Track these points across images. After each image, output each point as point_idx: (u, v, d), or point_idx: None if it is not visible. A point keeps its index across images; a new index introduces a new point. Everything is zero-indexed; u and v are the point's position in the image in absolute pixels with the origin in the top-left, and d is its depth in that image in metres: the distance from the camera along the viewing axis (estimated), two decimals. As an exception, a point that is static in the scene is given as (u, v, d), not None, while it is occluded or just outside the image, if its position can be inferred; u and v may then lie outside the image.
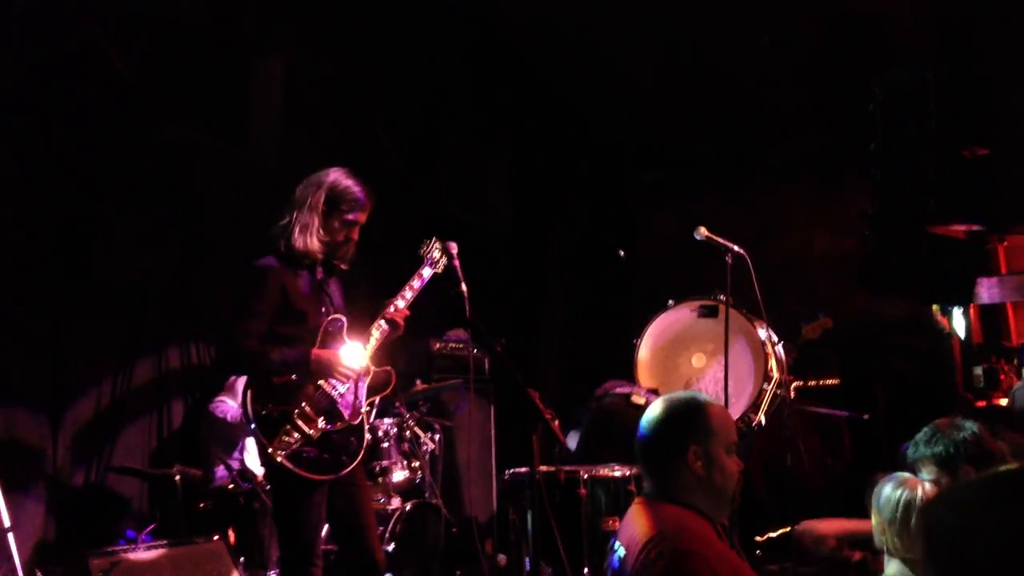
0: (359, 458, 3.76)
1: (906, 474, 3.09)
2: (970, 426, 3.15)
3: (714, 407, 2.46)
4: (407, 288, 3.89)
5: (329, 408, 3.69)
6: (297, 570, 3.62)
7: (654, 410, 2.49)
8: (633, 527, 2.35)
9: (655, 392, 5.17)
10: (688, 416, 2.43)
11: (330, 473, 3.64)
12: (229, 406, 5.44)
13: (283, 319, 3.68)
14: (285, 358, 3.60)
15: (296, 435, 3.56)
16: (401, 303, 3.87)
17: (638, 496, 2.50)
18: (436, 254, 3.92)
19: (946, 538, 1.30)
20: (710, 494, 2.38)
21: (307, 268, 3.77)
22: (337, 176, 3.78)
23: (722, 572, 2.15)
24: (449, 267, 3.84)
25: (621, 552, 2.34)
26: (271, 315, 3.65)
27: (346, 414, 3.73)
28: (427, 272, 3.91)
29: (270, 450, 3.51)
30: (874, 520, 3.05)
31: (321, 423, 3.63)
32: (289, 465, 3.53)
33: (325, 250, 3.78)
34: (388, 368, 3.90)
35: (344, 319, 3.82)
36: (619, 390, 5.26)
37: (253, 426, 3.54)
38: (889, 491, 3.00)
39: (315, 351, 3.65)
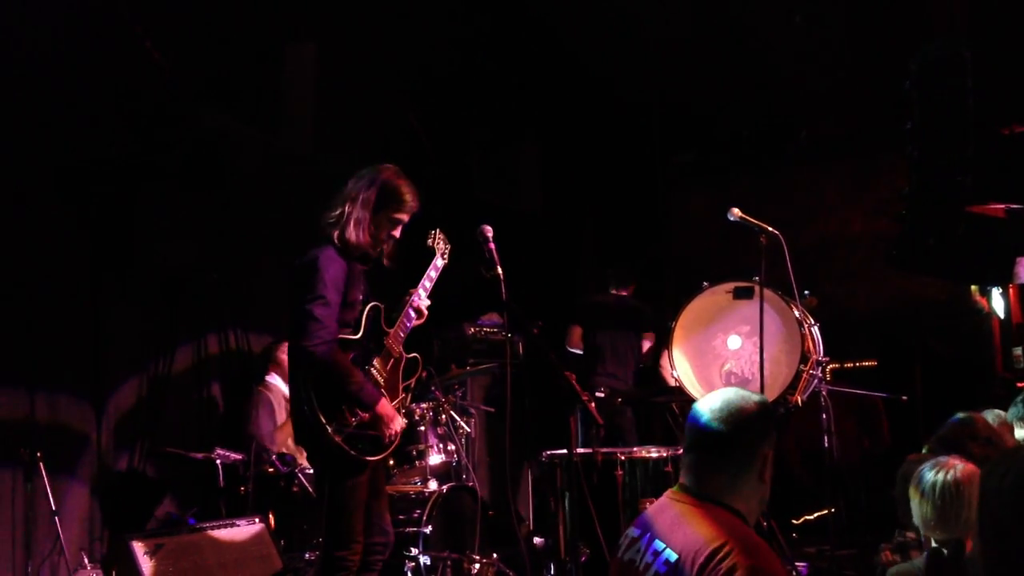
0: (398, 440, 3.95)
1: (943, 456, 3.07)
2: None
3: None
4: (426, 279, 4.11)
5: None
6: (339, 549, 3.77)
7: (728, 406, 2.28)
8: (688, 529, 2.18)
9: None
10: (766, 420, 2.28)
11: (377, 454, 3.85)
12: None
13: (340, 312, 3.85)
14: (363, 394, 3.78)
15: (352, 418, 3.77)
16: (423, 292, 4.08)
17: (677, 490, 2.32)
18: (442, 244, 4.16)
19: None
20: (757, 501, 2.27)
21: (356, 260, 3.91)
22: (389, 175, 3.91)
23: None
24: (484, 251, 3.86)
25: (671, 555, 2.17)
26: (340, 305, 3.80)
27: (390, 396, 3.96)
28: (440, 263, 4.14)
29: (330, 430, 3.69)
30: (915, 505, 3.02)
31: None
32: (345, 447, 3.71)
33: (371, 245, 3.90)
34: (416, 355, 4.14)
35: (381, 306, 4.02)
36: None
37: (316, 410, 3.70)
38: (931, 474, 2.98)
39: (383, 403, 3.84)
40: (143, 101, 5.48)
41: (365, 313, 3.94)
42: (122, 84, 5.37)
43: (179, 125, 5.70)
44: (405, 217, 3.95)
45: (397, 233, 3.97)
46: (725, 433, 2.26)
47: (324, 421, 3.70)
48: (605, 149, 8.79)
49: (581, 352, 7.00)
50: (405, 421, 4.05)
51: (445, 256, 4.16)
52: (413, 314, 4.06)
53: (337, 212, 3.85)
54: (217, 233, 6.01)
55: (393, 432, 3.90)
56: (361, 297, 3.96)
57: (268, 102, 5.96)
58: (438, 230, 4.18)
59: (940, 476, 2.95)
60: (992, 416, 4.13)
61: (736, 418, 2.26)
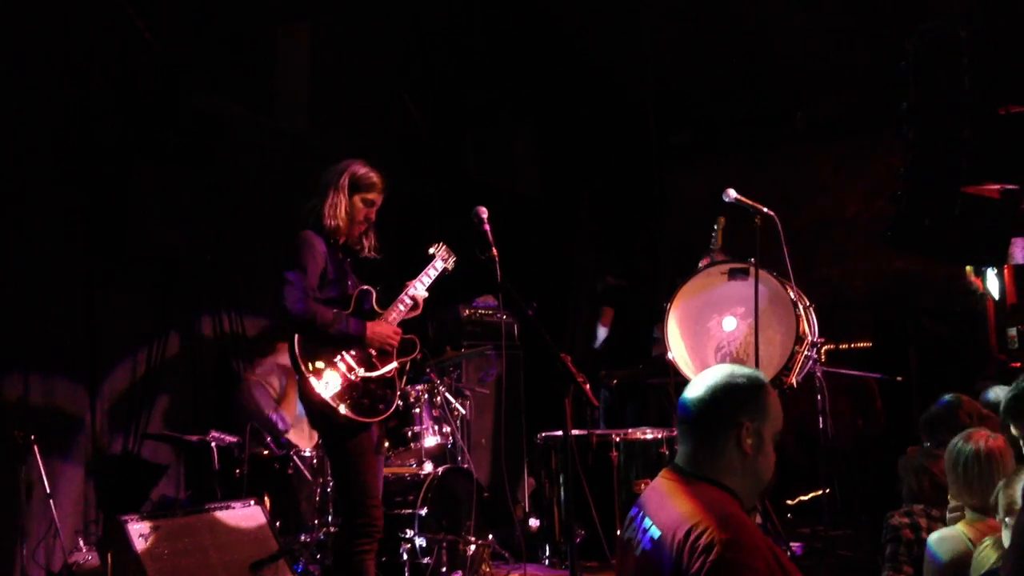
0: (393, 408, 4.11)
1: (972, 428, 3.29)
2: None
3: (774, 391, 2.32)
4: (424, 274, 4.28)
5: (366, 358, 4.07)
6: (358, 516, 3.91)
7: (711, 377, 2.33)
8: (671, 507, 2.22)
9: None
10: (749, 390, 2.28)
11: (368, 416, 3.98)
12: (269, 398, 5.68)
13: (321, 286, 4.04)
14: (348, 328, 3.99)
15: (340, 378, 3.95)
16: (420, 286, 4.26)
17: (668, 468, 2.36)
18: (445, 253, 4.36)
19: None
20: (749, 477, 2.26)
21: (333, 245, 4.13)
22: (356, 164, 4.18)
23: (772, 563, 2.10)
24: (479, 232, 3.88)
25: (655, 532, 2.21)
26: (318, 278, 4.02)
27: (379, 365, 4.10)
28: (440, 264, 4.33)
29: (318, 390, 3.87)
30: (949, 475, 3.25)
31: (361, 371, 4.01)
32: (333, 404, 3.88)
33: (348, 228, 4.13)
34: (412, 336, 4.24)
35: (374, 290, 4.20)
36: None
37: (302, 370, 3.90)
38: (961, 445, 3.21)
39: (370, 325, 4.06)
40: (136, 82, 5.44)
41: (355, 295, 4.13)
42: (115, 65, 5.33)
43: (172, 106, 5.66)
44: (377, 198, 4.17)
45: (372, 215, 4.18)
46: (702, 397, 2.29)
47: (311, 379, 3.89)
48: (601, 130, 8.75)
49: (605, 335, 6.98)
50: (399, 330, 4.16)
51: (448, 263, 4.35)
52: (408, 300, 4.22)
53: (312, 203, 4.11)
54: (211, 214, 5.97)
55: (394, 343, 4.09)
56: (349, 283, 4.15)
57: (262, 82, 5.93)
58: (442, 243, 4.38)
59: (968, 447, 3.18)
60: (997, 393, 4.17)
61: (716, 385, 2.29)
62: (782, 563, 2.14)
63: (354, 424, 3.94)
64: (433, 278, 4.31)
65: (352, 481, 3.95)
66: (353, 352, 4.02)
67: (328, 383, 3.91)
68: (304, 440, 5.63)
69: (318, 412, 3.96)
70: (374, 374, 4.06)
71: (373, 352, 4.08)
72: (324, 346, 3.97)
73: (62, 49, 5.11)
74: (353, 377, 3.98)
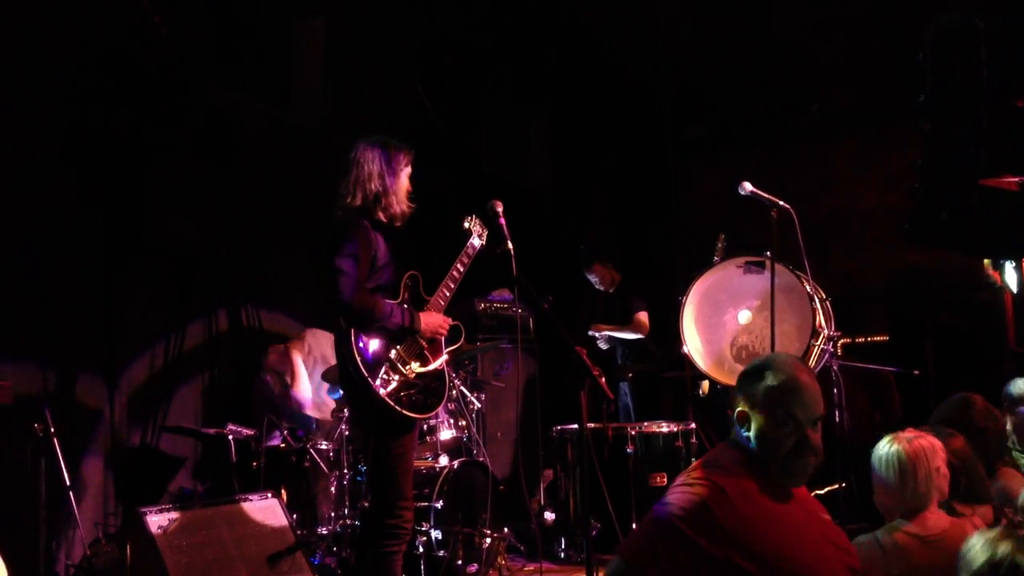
0: (444, 400, 4.13)
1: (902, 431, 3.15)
2: None
3: (780, 372, 2.40)
4: (464, 255, 4.22)
5: (419, 353, 4.04)
6: (390, 516, 3.86)
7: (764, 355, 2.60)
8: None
9: None
10: (742, 380, 2.48)
11: (423, 412, 4.00)
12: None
13: (372, 272, 3.96)
14: (404, 320, 3.94)
15: (396, 376, 3.91)
16: (461, 268, 4.21)
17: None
18: (478, 227, 4.27)
19: None
20: (760, 451, 2.39)
21: (384, 228, 4.03)
22: (378, 140, 4.06)
23: (742, 511, 2.25)
24: (495, 226, 3.88)
25: None
26: (368, 266, 3.93)
27: (431, 359, 4.09)
28: (477, 242, 4.25)
29: (376, 387, 3.80)
30: (873, 477, 3.13)
31: (415, 366, 3.98)
32: (391, 402, 3.83)
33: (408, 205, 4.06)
34: (458, 323, 4.24)
35: (419, 275, 4.15)
36: None
37: (360, 367, 3.82)
38: (884, 447, 3.09)
39: (422, 316, 4.02)
40: (152, 75, 5.46)
41: (403, 281, 4.07)
42: (131, 58, 5.36)
43: (188, 100, 5.69)
44: (411, 168, 4.11)
45: (411, 186, 4.12)
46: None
47: (368, 377, 3.81)
48: (615, 123, 8.74)
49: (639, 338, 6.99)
50: (448, 319, 4.14)
51: (483, 238, 4.26)
52: (452, 285, 4.18)
53: (361, 194, 3.95)
54: (228, 208, 6.00)
55: (444, 331, 4.10)
56: (394, 267, 4.06)
57: (277, 76, 5.94)
58: (474, 215, 4.28)
59: (889, 448, 3.06)
60: (1021, 385, 4.15)
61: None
62: (770, 521, 2.27)
63: (409, 422, 3.92)
64: (472, 257, 4.24)
65: (389, 482, 3.88)
66: (403, 345, 3.96)
67: (387, 381, 3.86)
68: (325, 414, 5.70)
69: (376, 411, 3.87)
70: (427, 369, 4.03)
71: (424, 344, 4.03)
72: (379, 341, 3.91)
73: (77, 43, 5.13)
74: (408, 373, 3.94)
